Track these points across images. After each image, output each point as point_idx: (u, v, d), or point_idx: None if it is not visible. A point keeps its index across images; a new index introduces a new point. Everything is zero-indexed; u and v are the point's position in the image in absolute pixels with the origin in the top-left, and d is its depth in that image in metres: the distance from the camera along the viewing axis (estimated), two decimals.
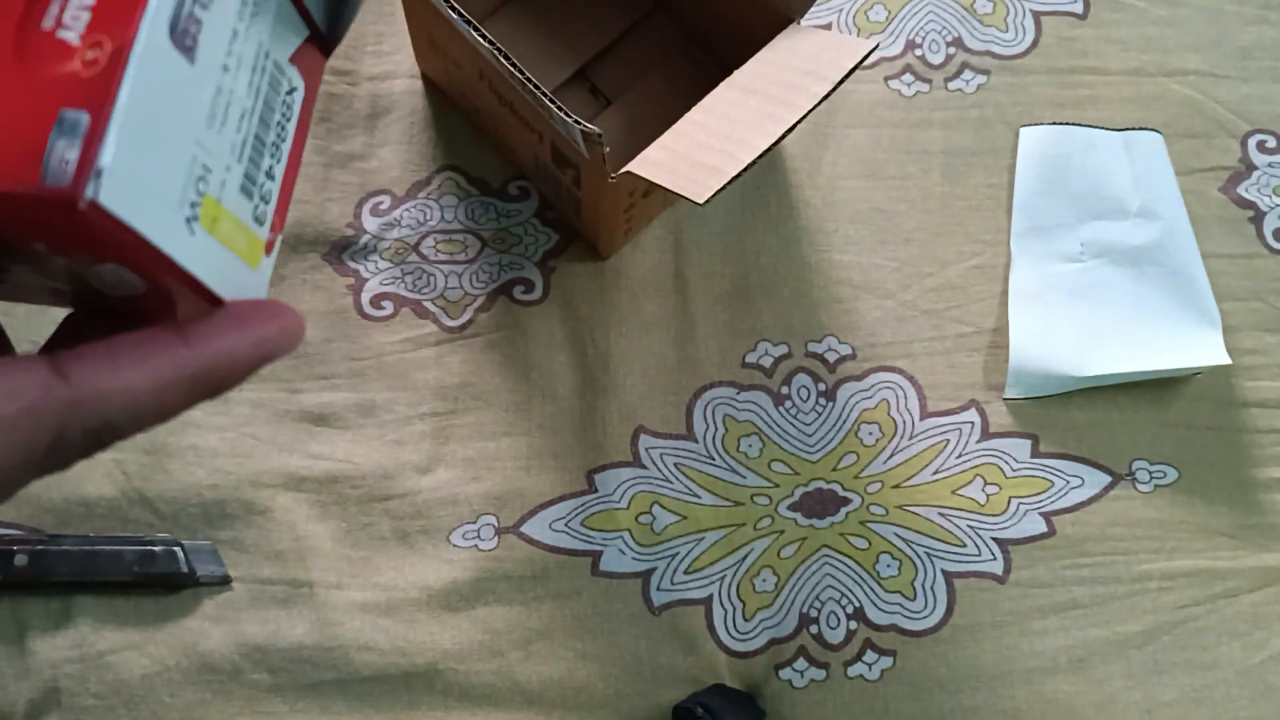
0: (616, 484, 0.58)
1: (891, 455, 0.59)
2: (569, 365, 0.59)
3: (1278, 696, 0.56)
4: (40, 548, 0.54)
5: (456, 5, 0.47)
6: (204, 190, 0.20)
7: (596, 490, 0.58)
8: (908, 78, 0.66)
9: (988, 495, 0.59)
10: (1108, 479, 0.59)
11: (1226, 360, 0.59)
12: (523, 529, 0.57)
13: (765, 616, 0.56)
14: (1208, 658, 0.57)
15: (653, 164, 0.46)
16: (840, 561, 0.57)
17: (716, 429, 0.59)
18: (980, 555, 0.58)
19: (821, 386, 0.60)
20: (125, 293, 0.21)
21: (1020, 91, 0.65)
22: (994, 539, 0.58)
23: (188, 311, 0.22)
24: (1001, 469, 0.59)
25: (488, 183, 0.62)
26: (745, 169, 0.43)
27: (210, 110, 0.20)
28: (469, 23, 0.46)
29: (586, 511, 0.57)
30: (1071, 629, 0.57)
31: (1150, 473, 0.59)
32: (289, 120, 0.24)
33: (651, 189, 0.54)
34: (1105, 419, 0.60)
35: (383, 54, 0.64)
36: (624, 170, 0.47)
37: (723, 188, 0.42)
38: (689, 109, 0.48)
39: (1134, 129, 0.65)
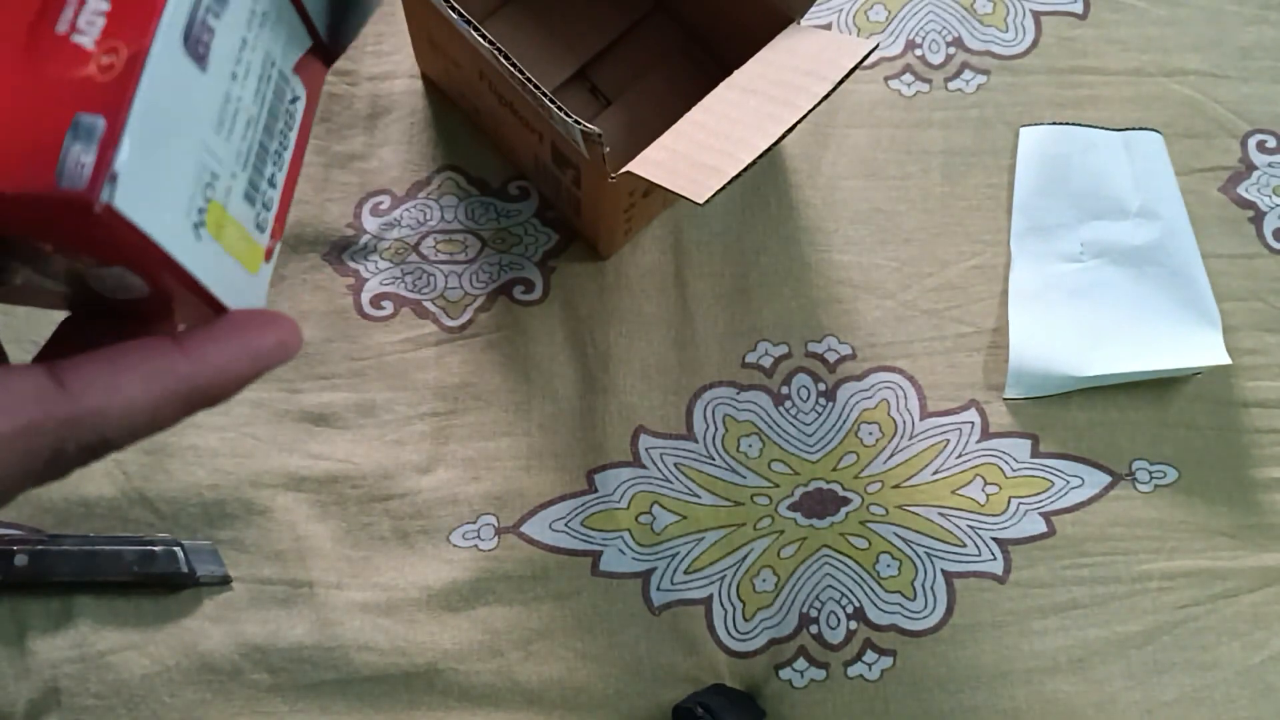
0: (616, 484, 0.58)
1: (891, 455, 0.59)
2: (569, 365, 0.59)
3: (1278, 696, 0.56)
4: (40, 548, 0.54)
5: (456, 5, 0.47)
6: (211, 196, 0.20)
7: (596, 490, 0.58)
8: (908, 78, 0.66)
9: (988, 495, 0.59)
10: (1108, 479, 0.59)
11: (1226, 360, 0.59)
12: (523, 529, 0.57)
13: (765, 616, 0.56)
14: (1208, 658, 0.57)
15: (653, 164, 0.46)
16: (840, 561, 0.57)
17: (716, 429, 0.59)
18: (980, 555, 0.58)
19: (821, 386, 0.60)
20: (126, 296, 0.21)
21: (1020, 91, 0.65)
22: (994, 539, 0.58)
23: (186, 315, 0.22)
24: (1001, 469, 0.59)
25: (488, 183, 0.62)
26: (745, 169, 0.43)
27: (219, 117, 0.20)
28: (469, 23, 0.46)
29: (586, 511, 0.57)
30: (1071, 629, 0.57)
31: (1150, 473, 0.59)
32: (291, 129, 0.24)
33: (651, 189, 0.54)
34: (1105, 419, 0.60)
35: (383, 54, 0.64)
36: (624, 170, 0.47)
37: (723, 188, 0.42)
38: (689, 109, 0.48)
39: (1134, 129, 0.65)
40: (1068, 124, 0.65)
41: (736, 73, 0.49)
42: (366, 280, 0.60)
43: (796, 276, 0.61)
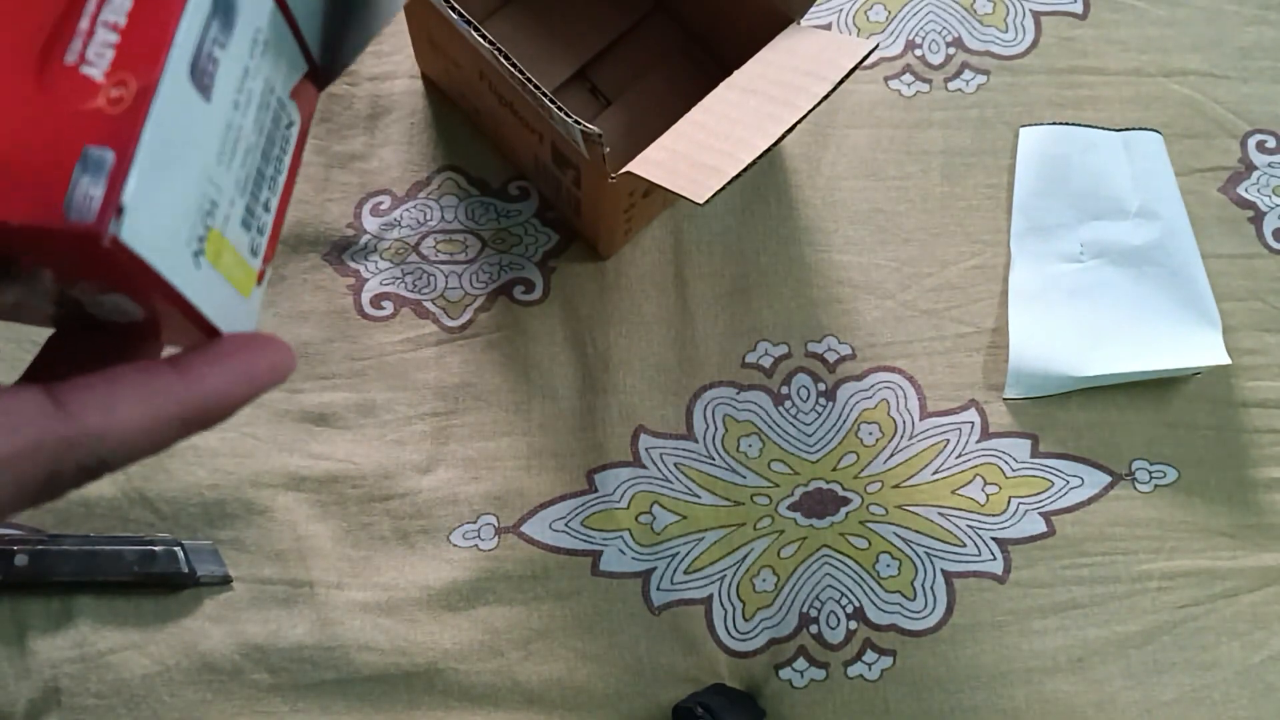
0: (616, 484, 0.58)
1: (891, 455, 0.59)
2: (569, 365, 0.59)
3: (1277, 696, 0.56)
4: (40, 548, 0.54)
5: (456, 5, 0.47)
6: (211, 224, 0.20)
7: (596, 490, 0.58)
8: (908, 78, 0.66)
9: (988, 495, 0.59)
10: (1107, 479, 0.59)
11: (1226, 360, 0.59)
12: (523, 529, 0.57)
13: (765, 616, 0.56)
14: (1207, 658, 0.57)
15: (653, 164, 0.46)
16: (840, 561, 0.57)
17: (716, 429, 0.59)
18: (980, 555, 0.58)
19: (821, 386, 0.60)
20: (119, 319, 0.21)
21: (1020, 91, 0.65)
22: (994, 539, 0.58)
23: (173, 336, 0.23)
24: (1001, 469, 0.59)
25: (488, 183, 0.62)
26: (745, 169, 0.43)
27: (221, 147, 0.20)
28: (469, 23, 0.46)
29: (586, 511, 0.57)
30: (1071, 629, 0.57)
31: (1150, 473, 0.59)
32: (286, 153, 0.24)
33: (651, 189, 0.54)
34: (1105, 419, 0.60)
35: (383, 54, 0.64)
36: (624, 170, 0.47)
37: (723, 188, 0.42)
38: (689, 109, 0.48)
39: (1134, 129, 0.65)
40: (1067, 124, 0.65)
41: (736, 73, 0.49)
42: (367, 280, 0.60)
43: (796, 276, 0.61)
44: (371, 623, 0.55)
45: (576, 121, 0.44)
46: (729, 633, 0.56)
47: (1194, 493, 0.59)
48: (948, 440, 0.59)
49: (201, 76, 0.19)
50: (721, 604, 0.56)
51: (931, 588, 0.57)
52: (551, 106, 0.46)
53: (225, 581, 0.55)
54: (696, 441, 0.59)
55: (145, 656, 0.54)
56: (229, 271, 0.22)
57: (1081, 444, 0.60)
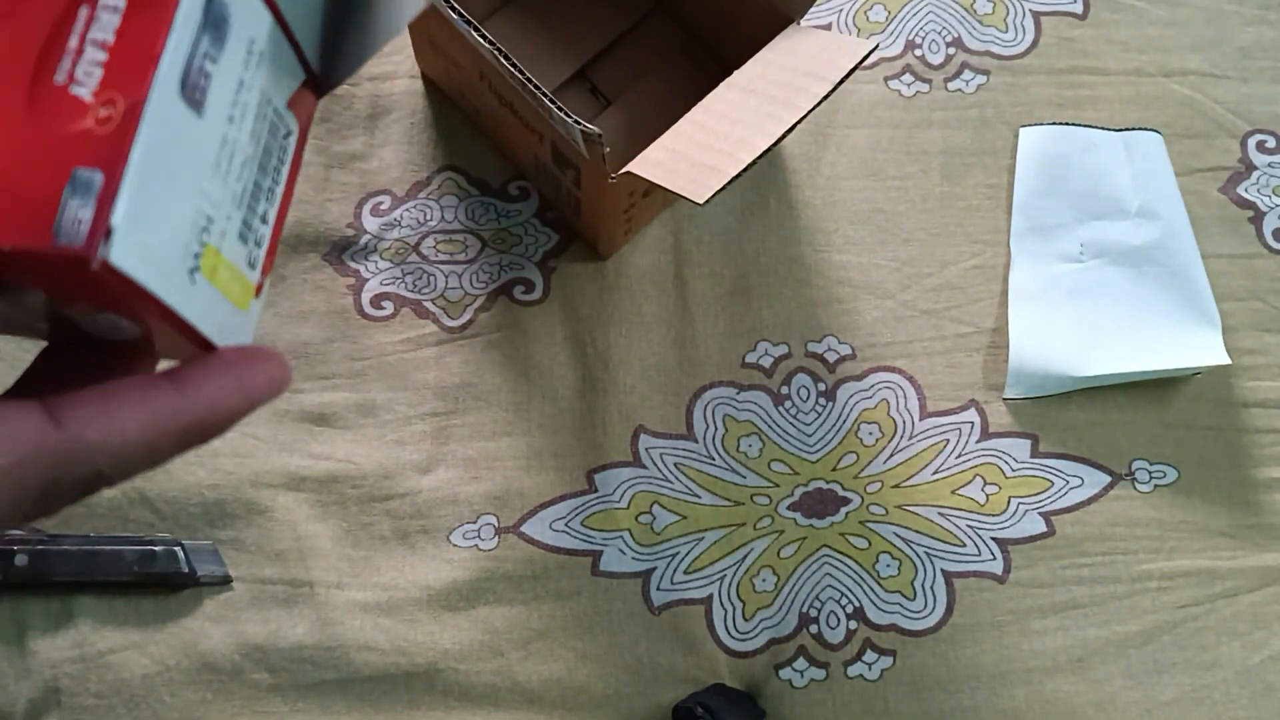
0: (616, 484, 0.58)
1: (891, 455, 0.59)
2: (569, 365, 0.59)
3: (1277, 696, 0.56)
4: (40, 547, 0.54)
5: (456, 5, 0.47)
6: (206, 240, 0.20)
7: (596, 490, 0.58)
8: (908, 78, 0.66)
9: (987, 495, 0.59)
10: (1107, 479, 0.59)
11: (1226, 360, 0.59)
12: (523, 529, 0.57)
13: (765, 616, 0.56)
14: (1207, 658, 0.57)
15: (653, 164, 0.46)
16: (840, 561, 0.57)
17: (716, 429, 0.59)
18: (980, 555, 0.58)
19: (821, 386, 0.60)
20: (114, 336, 0.21)
21: (1020, 92, 0.65)
22: (994, 539, 0.58)
23: (168, 350, 0.22)
24: (1001, 469, 0.59)
25: (488, 183, 0.62)
26: (745, 169, 0.43)
27: (215, 161, 0.20)
28: (469, 23, 0.46)
29: (586, 511, 0.57)
30: (1071, 629, 0.57)
31: (1150, 473, 0.59)
32: (284, 164, 0.24)
33: (651, 189, 0.54)
34: (1105, 419, 0.60)
35: (383, 54, 0.64)
36: (624, 170, 0.47)
37: (723, 188, 0.42)
38: (689, 109, 0.48)
39: (1134, 129, 0.65)
40: (1067, 124, 0.65)
41: (736, 73, 0.49)
42: (367, 280, 0.60)
43: (796, 276, 0.61)
44: (371, 623, 0.55)
45: (576, 121, 0.44)
46: (729, 633, 0.56)
47: (1194, 493, 0.59)
48: (948, 440, 0.59)
49: (193, 92, 0.19)
50: (721, 604, 0.57)
51: (931, 588, 0.57)
52: (551, 106, 0.46)
53: (225, 581, 0.55)
54: (696, 441, 0.59)
55: (145, 656, 0.54)
56: (225, 286, 0.21)
57: (1081, 444, 0.60)
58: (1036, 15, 0.67)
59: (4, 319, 0.21)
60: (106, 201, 0.17)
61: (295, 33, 0.23)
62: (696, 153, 0.45)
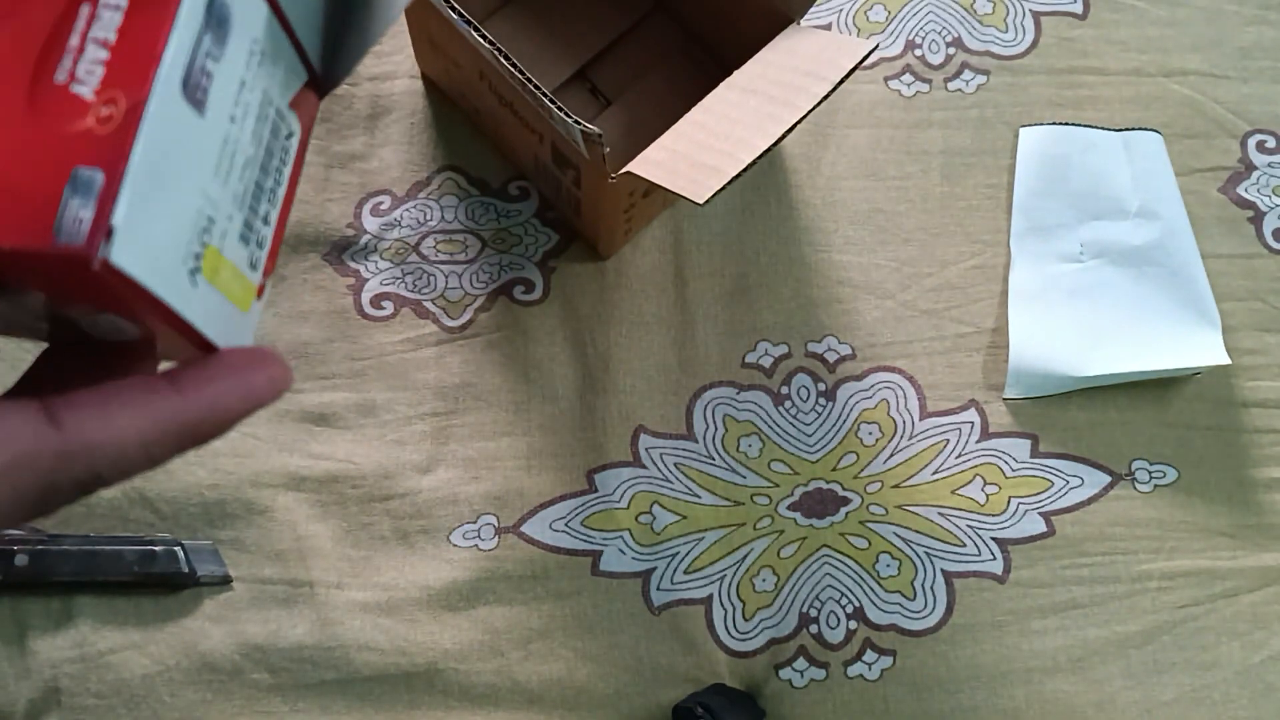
0: (616, 484, 0.58)
1: (891, 455, 0.59)
2: (569, 365, 0.59)
3: (1277, 696, 0.56)
4: (40, 547, 0.54)
5: (456, 5, 0.47)
6: (207, 241, 0.20)
7: (596, 490, 0.58)
8: (908, 78, 0.66)
9: (987, 495, 0.59)
10: (1107, 479, 0.59)
11: (1226, 360, 0.59)
12: (523, 529, 0.57)
13: (765, 616, 0.56)
14: (1207, 658, 0.57)
15: (653, 164, 0.46)
16: (840, 561, 0.57)
17: (716, 429, 0.59)
18: (980, 555, 0.58)
19: (821, 386, 0.60)
20: (114, 337, 0.21)
21: (1020, 92, 0.65)
22: (994, 539, 0.58)
23: (169, 351, 0.22)
24: (1001, 469, 0.59)
25: (488, 183, 0.62)
26: (745, 169, 0.43)
27: (217, 162, 0.20)
28: (469, 23, 0.46)
29: (586, 511, 0.57)
30: (1071, 629, 0.57)
31: (1150, 473, 0.59)
32: (286, 165, 0.23)
33: (651, 189, 0.54)
34: (1105, 419, 0.60)
35: (383, 54, 0.64)
36: (624, 170, 0.47)
37: (723, 188, 0.42)
38: (689, 109, 0.48)
39: (1133, 129, 0.65)
40: (1067, 124, 0.65)
41: (736, 73, 0.49)
42: (367, 280, 0.60)
43: (796, 276, 0.61)
44: (371, 623, 0.55)
45: (576, 121, 0.44)
46: (729, 633, 0.56)
47: (1194, 493, 0.59)
48: (948, 440, 0.59)
49: (195, 91, 0.19)
50: (721, 604, 0.57)
51: (931, 588, 0.57)
52: (551, 106, 0.46)
53: (225, 581, 0.55)
54: (696, 441, 0.59)
55: (145, 656, 0.54)
56: (227, 287, 0.21)
57: (1081, 444, 0.60)
58: (1036, 15, 0.67)
59: (4, 319, 0.21)
60: (108, 201, 0.17)
61: (297, 32, 0.23)
62: (696, 153, 0.45)
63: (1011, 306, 0.61)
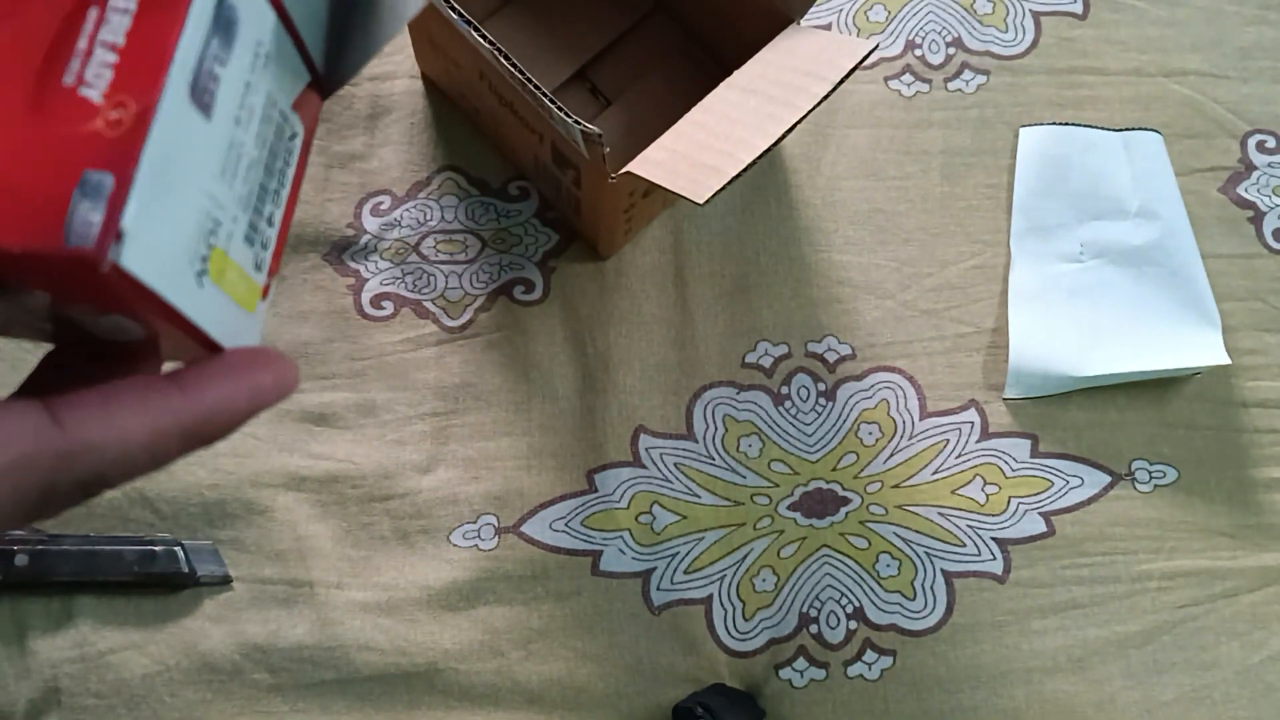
0: (616, 484, 0.58)
1: (891, 455, 0.59)
2: (569, 365, 0.59)
3: (1277, 696, 0.56)
4: (40, 547, 0.54)
5: (456, 5, 0.47)
6: (213, 243, 0.20)
7: (596, 490, 0.58)
8: (908, 78, 0.66)
9: (987, 495, 0.59)
10: (1107, 479, 0.59)
11: (1226, 360, 0.59)
12: (523, 529, 0.57)
13: (765, 616, 0.56)
14: (1207, 657, 0.57)
15: (653, 164, 0.46)
16: (840, 561, 0.57)
17: (716, 429, 0.59)
18: (980, 555, 0.58)
19: (821, 386, 0.60)
20: (118, 338, 0.21)
21: (1020, 92, 0.65)
22: (994, 539, 0.58)
23: (174, 352, 0.22)
24: (1001, 469, 0.59)
25: (488, 183, 0.62)
26: (745, 169, 0.43)
27: (223, 164, 0.20)
28: (469, 23, 0.46)
29: (586, 511, 0.57)
30: (1071, 629, 0.57)
31: (1150, 473, 0.59)
32: (289, 165, 0.24)
33: (651, 189, 0.54)
34: (1105, 419, 0.60)
35: (383, 54, 0.64)
36: (624, 170, 0.47)
37: (723, 188, 0.42)
38: (689, 109, 0.48)
39: (1133, 129, 0.65)
40: (1067, 124, 0.65)
41: (736, 73, 0.49)
42: (367, 280, 0.60)
43: (796, 276, 0.61)
44: (371, 623, 0.55)
45: (576, 121, 0.44)
46: (729, 633, 0.56)
47: (1194, 493, 0.59)
48: (948, 440, 0.59)
49: (202, 95, 0.19)
50: (721, 604, 0.57)
51: (931, 588, 0.57)
52: (551, 106, 0.46)
53: (225, 581, 0.55)
54: (696, 441, 0.59)
55: (145, 656, 0.54)
56: (232, 289, 0.21)
57: (1081, 444, 0.60)
58: (1036, 15, 0.67)
59: (5, 319, 0.21)
60: (117, 204, 0.17)
61: (301, 33, 0.23)
62: (696, 153, 0.45)
63: (1011, 306, 0.61)
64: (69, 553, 0.54)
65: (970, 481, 0.59)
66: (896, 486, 0.58)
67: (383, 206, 0.61)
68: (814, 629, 0.56)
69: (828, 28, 0.66)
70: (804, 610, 0.57)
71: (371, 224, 0.61)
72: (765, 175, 0.63)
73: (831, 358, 0.60)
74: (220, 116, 0.20)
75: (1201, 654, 0.57)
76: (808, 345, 0.60)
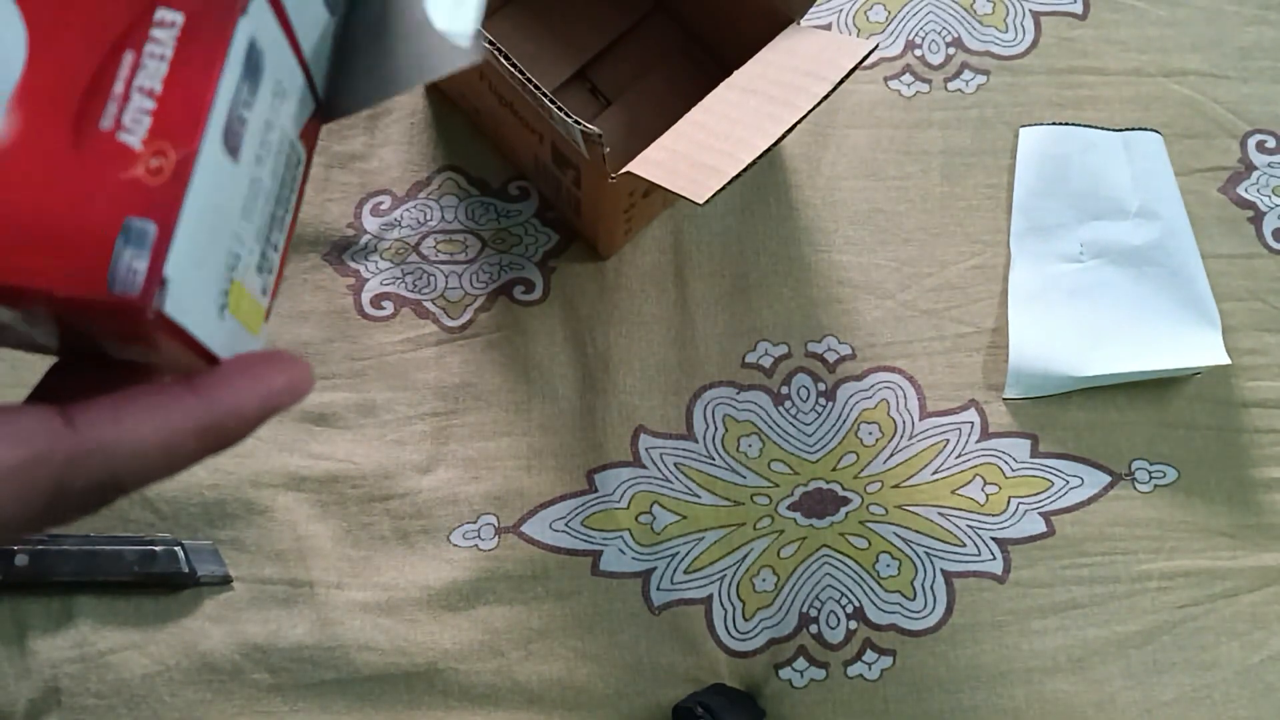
0: (616, 484, 0.58)
1: (891, 455, 0.59)
2: (569, 365, 0.59)
3: (1277, 696, 0.56)
4: (41, 547, 0.54)
5: None
6: (233, 277, 0.20)
7: (596, 490, 0.58)
8: (907, 78, 0.66)
9: (987, 495, 0.59)
10: (1107, 479, 0.59)
11: (1226, 360, 0.59)
12: (523, 529, 0.57)
13: (765, 616, 0.56)
14: (1207, 657, 0.57)
15: (653, 164, 0.46)
16: (840, 561, 0.57)
17: (716, 429, 0.59)
18: (980, 555, 0.58)
19: (821, 386, 0.60)
20: (129, 358, 0.21)
21: (1020, 92, 0.66)
22: (994, 539, 0.58)
23: (176, 365, 0.22)
24: (1001, 469, 0.59)
25: (488, 183, 0.62)
26: (745, 169, 0.43)
27: (246, 202, 0.20)
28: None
29: (586, 511, 0.57)
30: (1071, 629, 0.57)
31: (1150, 473, 0.59)
32: (294, 193, 0.24)
33: (651, 189, 0.54)
34: (1105, 419, 0.60)
35: None
36: (624, 170, 0.47)
37: (723, 188, 0.42)
38: (689, 109, 0.48)
39: (1133, 129, 0.65)
40: (1067, 124, 0.65)
41: (736, 73, 0.49)
42: (367, 280, 0.60)
43: (796, 276, 0.61)
44: (371, 623, 0.55)
45: (576, 121, 0.44)
46: (729, 633, 0.56)
47: (1194, 493, 0.59)
48: (947, 440, 0.59)
49: (232, 139, 0.19)
50: (721, 604, 0.57)
51: (931, 587, 0.57)
52: (551, 106, 0.46)
53: (225, 581, 0.55)
54: (696, 441, 0.59)
55: (145, 656, 0.54)
56: (245, 317, 0.22)
57: (1081, 444, 0.60)
58: (1036, 15, 0.67)
59: (13, 336, 0.21)
60: (160, 252, 0.17)
61: (310, 66, 0.23)
62: (696, 153, 0.45)
63: (1011, 306, 0.61)
64: (69, 553, 0.54)
65: (970, 481, 0.59)
66: (896, 486, 0.58)
67: (383, 206, 0.61)
68: (814, 629, 0.56)
69: (828, 28, 0.66)
70: (804, 610, 0.57)
71: (371, 224, 0.61)
72: (765, 175, 0.63)
73: (831, 358, 0.60)
74: (245, 157, 0.20)
75: (1201, 654, 0.57)
76: (808, 345, 0.60)
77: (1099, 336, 0.60)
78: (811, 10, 0.55)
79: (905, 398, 0.60)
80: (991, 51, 0.66)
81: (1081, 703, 0.56)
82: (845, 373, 0.60)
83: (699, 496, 0.58)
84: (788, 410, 0.59)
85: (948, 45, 0.66)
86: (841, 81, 0.45)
